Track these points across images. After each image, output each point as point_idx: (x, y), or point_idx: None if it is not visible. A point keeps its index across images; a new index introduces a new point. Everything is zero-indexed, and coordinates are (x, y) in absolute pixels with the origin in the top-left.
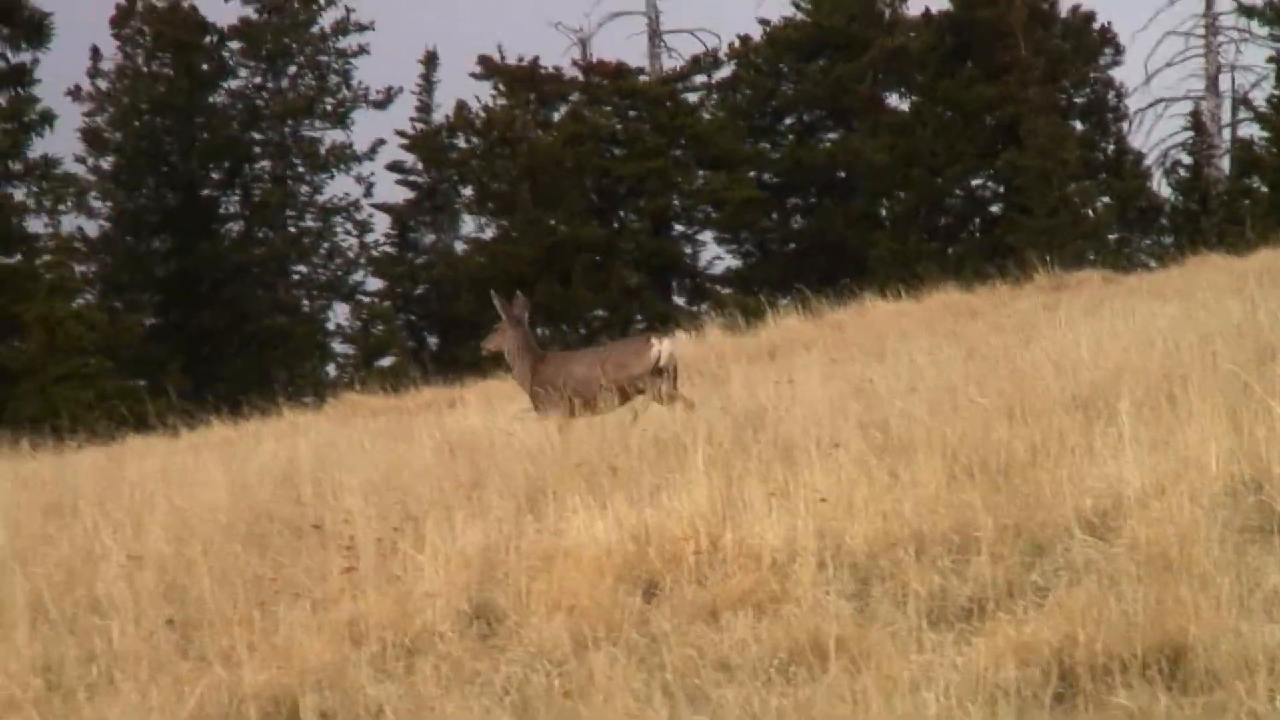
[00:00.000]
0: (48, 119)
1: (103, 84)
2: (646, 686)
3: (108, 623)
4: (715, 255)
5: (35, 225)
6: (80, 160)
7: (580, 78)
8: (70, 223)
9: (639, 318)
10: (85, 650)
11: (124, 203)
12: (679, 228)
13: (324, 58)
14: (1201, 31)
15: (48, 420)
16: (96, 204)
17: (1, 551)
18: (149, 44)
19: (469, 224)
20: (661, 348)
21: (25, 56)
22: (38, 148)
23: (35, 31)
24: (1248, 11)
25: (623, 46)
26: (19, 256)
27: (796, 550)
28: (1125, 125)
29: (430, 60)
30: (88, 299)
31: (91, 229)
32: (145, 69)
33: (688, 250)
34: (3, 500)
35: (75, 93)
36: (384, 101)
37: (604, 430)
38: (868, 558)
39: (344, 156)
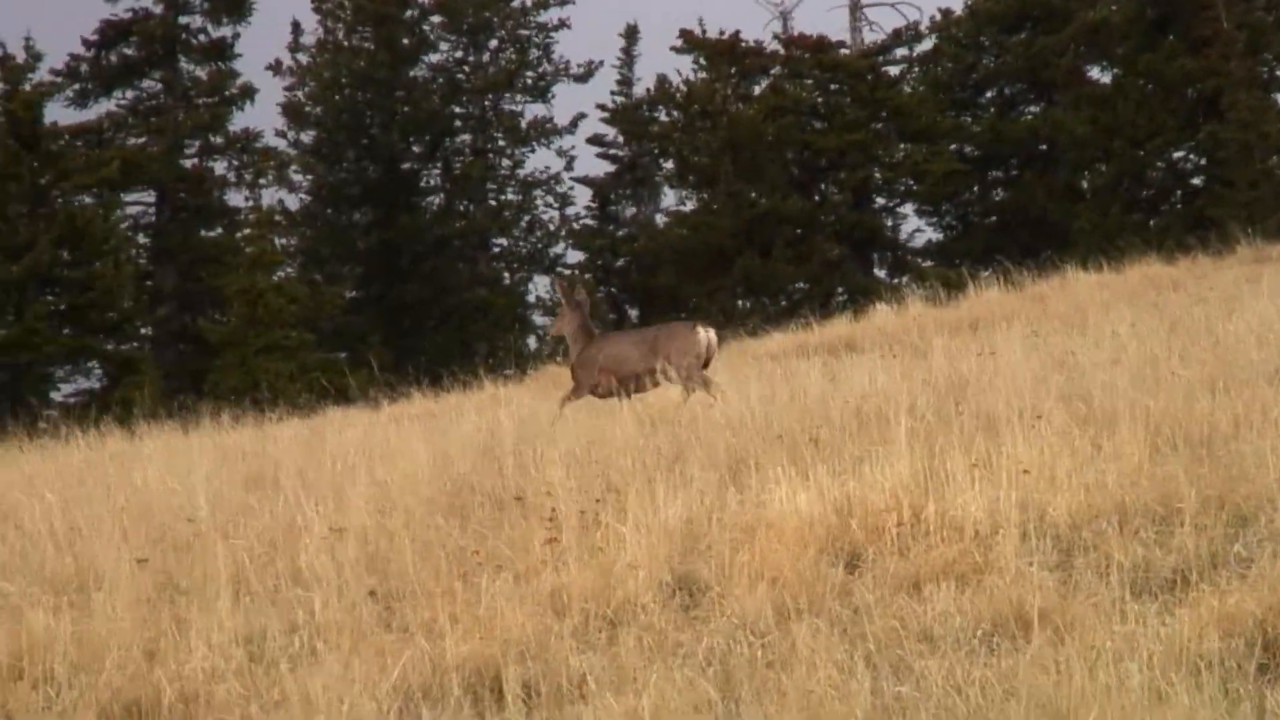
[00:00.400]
0: (248, 93)
1: (303, 58)
2: (849, 657)
3: (310, 594)
4: (916, 228)
5: (236, 199)
6: (281, 134)
7: (781, 51)
8: (271, 196)
9: (840, 290)
10: (287, 622)
11: (325, 176)
12: (880, 200)
13: (524, 32)
14: None
15: (249, 393)
16: (297, 178)
17: (204, 524)
18: (349, 18)
19: (669, 197)
20: (709, 335)
21: (226, 31)
22: (238, 122)
23: (236, 6)
24: None
25: (823, 20)
26: (220, 230)
27: (999, 522)
28: None
29: (631, 34)
30: (289, 272)
31: (292, 203)
32: (346, 43)
33: (888, 223)
34: (205, 472)
35: (276, 67)
36: (585, 75)
37: (805, 401)
38: (1070, 529)
39: (545, 130)
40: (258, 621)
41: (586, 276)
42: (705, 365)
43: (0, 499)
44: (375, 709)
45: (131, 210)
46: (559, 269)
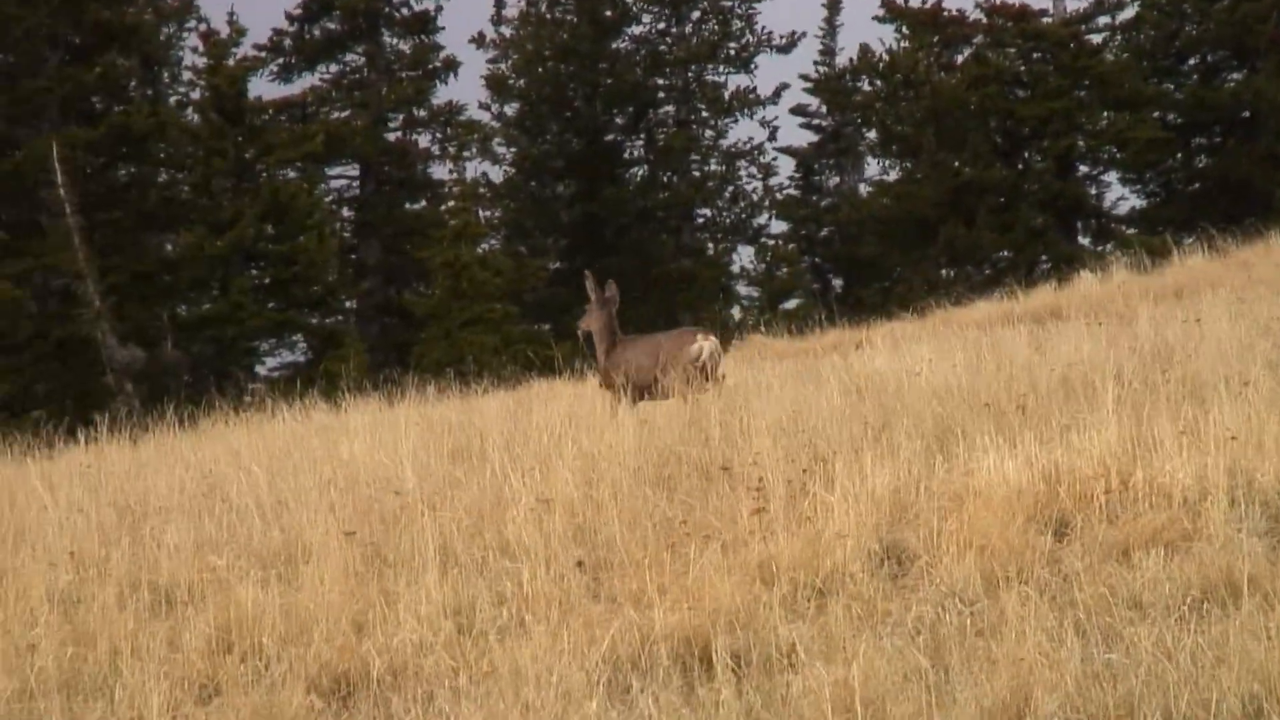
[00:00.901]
0: (452, 66)
1: (506, 31)
2: (1059, 625)
3: (518, 566)
4: (1120, 195)
5: (440, 172)
6: (484, 107)
7: (984, 20)
8: (474, 169)
9: (1044, 258)
10: (495, 593)
11: (528, 149)
12: (1083, 168)
13: (727, 2)
14: None
15: (453, 365)
16: (500, 150)
17: (411, 496)
18: None
19: (873, 166)
20: (707, 344)
21: (429, 4)
22: (442, 95)
23: None
24: None
25: None
26: (424, 203)
27: (1207, 488)
28: None
29: (833, 4)
30: (492, 245)
31: (496, 175)
32: (548, 15)
33: (1092, 191)
34: (411, 444)
35: (479, 40)
36: (787, 45)
37: (1011, 370)
38: (1279, 495)
39: (747, 100)
40: (466, 593)
41: (790, 246)
42: (711, 373)
43: (208, 472)
44: (584, 679)
45: (335, 184)
46: (763, 239)
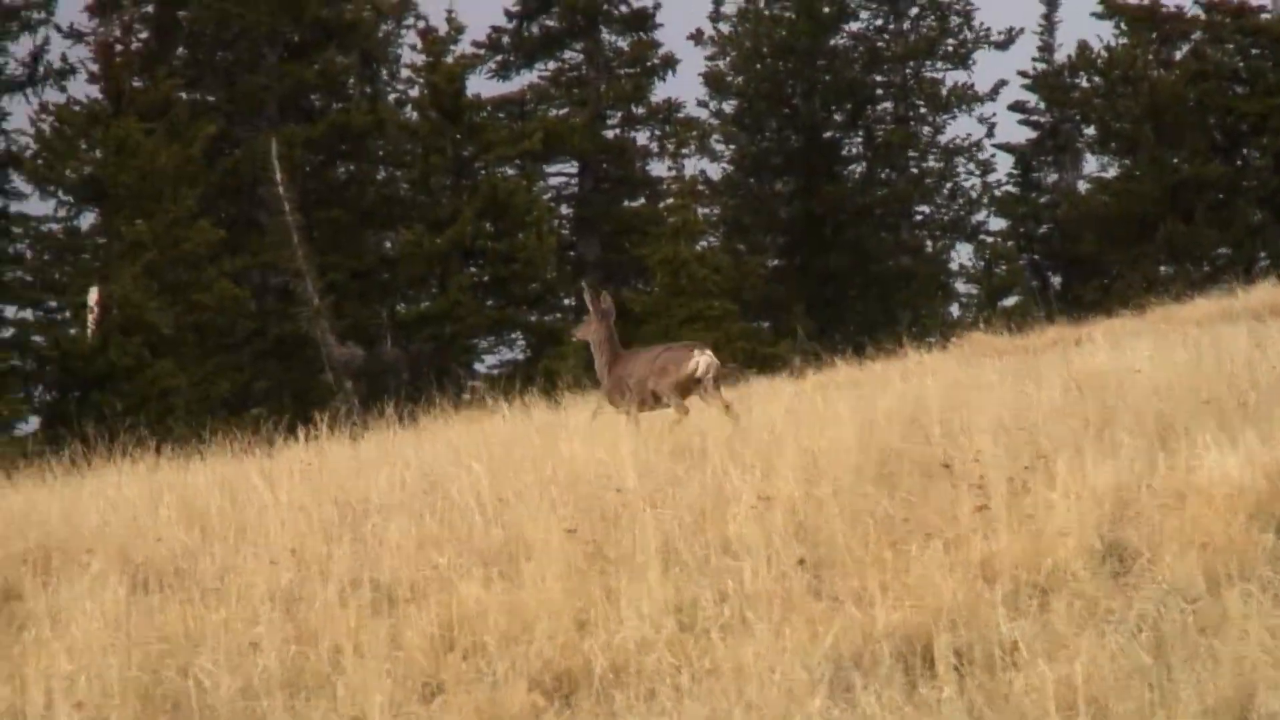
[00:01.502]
0: (670, 63)
1: (724, 28)
2: None
3: (739, 564)
4: None
5: (658, 169)
6: (702, 104)
7: (1202, 16)
8: (693, 166)
9: (1262, 255)
10: (717, 590)
11: (746, 146)
12: None
13: None
14: None
15: None
16: (719, 147)
17: (632, 494)
18: None
19: (1091, 163)
20: (700, 359)
21: (647, 1)
22: (660, 92)
23: None
24: None
25: None
26: (643, 200)
27: None
28: None
29: (1051, 1)
30: (711, 242)
31: (714, 172)
32: (766, 12)
33: None
34: (631, 444)
35: (697, 37)
36: (1005, 42)
37: (1231, 367)
38: None
39: (966, 97)
40: (688, 591)
41: (1009, 244)
42: (711, 388)
43: (428, 469)
44: (806, 677)
45: (554, 181)
46: (982, 236)
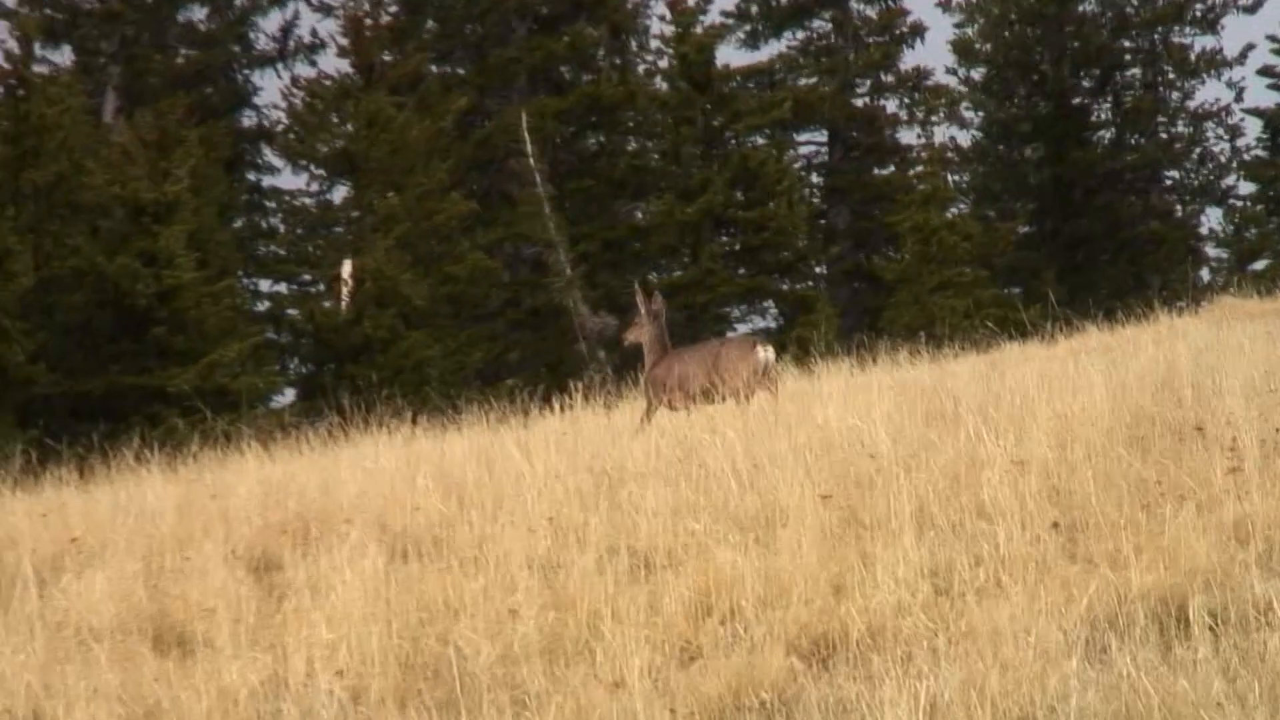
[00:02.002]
0: (918, 31)
1: None
2: None
3: (993, 527)
4: None
5: (908, 137)
6: (950, 71)
7: None
8: (942, 133)
9: None
10: (972, 555)
11: (995, 113)
12: None
13: None
14: None
15: (924, 329)
16: (968, 114)
17: (885, 459)
18: None
19: None
20: (768, 354)
21: None
22: (908, 60)
23: None
24: None
25: None
26: (892, 168)
27: None
28: None
29: None
30: (961, 209)
31: (963, 139)
32: None
33: None
34: (885, 408)
35: (945, 4)
36: (1254, 6)
37: None
38: None
39: (1214, 62)
40: (942, 555)
41: (1259, 208)
42: (772, 379)
43: (683, 437)
44: (1062, 639)
45: (804, 150)
46: (1231, 201)
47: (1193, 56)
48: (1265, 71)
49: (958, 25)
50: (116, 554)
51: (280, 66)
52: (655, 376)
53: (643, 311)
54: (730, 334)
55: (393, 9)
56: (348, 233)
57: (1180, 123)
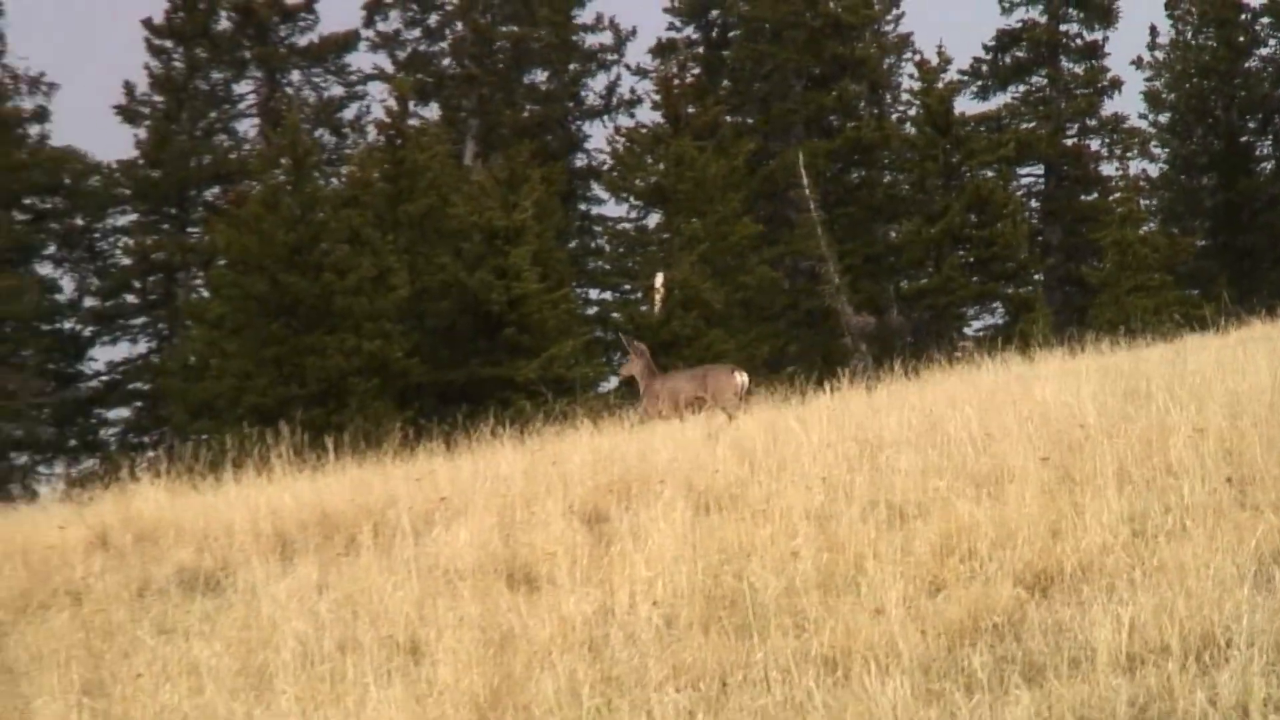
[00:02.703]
0: (1116, 84)
1: (1159, 54)
2: None
3: (1179, 482)
4: None
5: (1108, 169)
6: (1142, 116)
7: None
8: (1136, 167)
9: None
10: (1162, 504)
11: (1178, 150)
12: None
13: None
14: None
15: (1122, 324)
16: (1156, 151)
17: (1092, 428)
18: (1196, 21)
19: None
20: (743, 377)
21: (1097, 35)
22: (1109, 107)
23: (1104, 15)
24: None
25: None
26: (1096, 194)
27: None
28: None
29: None
30: (1150, 227)
31: (1153, 170)
32: (1193, 41)
33: None
34: (1091, 387)
35: (1138, 62)
36: None
37: None
38: None
39: None
40: (1138, 505)
41: None
42: (745, 397)
43: (929, 412)
44: (1235, 571)
45: (1025, 181)
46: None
47: None
48: None
49: (1148, 79)
50: (476, 510)
51: (605, 118)
52: (652, 392)
53: (632, 353)
54: (719, 362)
55: (695, 71)
56: (660, 250)
57: None
